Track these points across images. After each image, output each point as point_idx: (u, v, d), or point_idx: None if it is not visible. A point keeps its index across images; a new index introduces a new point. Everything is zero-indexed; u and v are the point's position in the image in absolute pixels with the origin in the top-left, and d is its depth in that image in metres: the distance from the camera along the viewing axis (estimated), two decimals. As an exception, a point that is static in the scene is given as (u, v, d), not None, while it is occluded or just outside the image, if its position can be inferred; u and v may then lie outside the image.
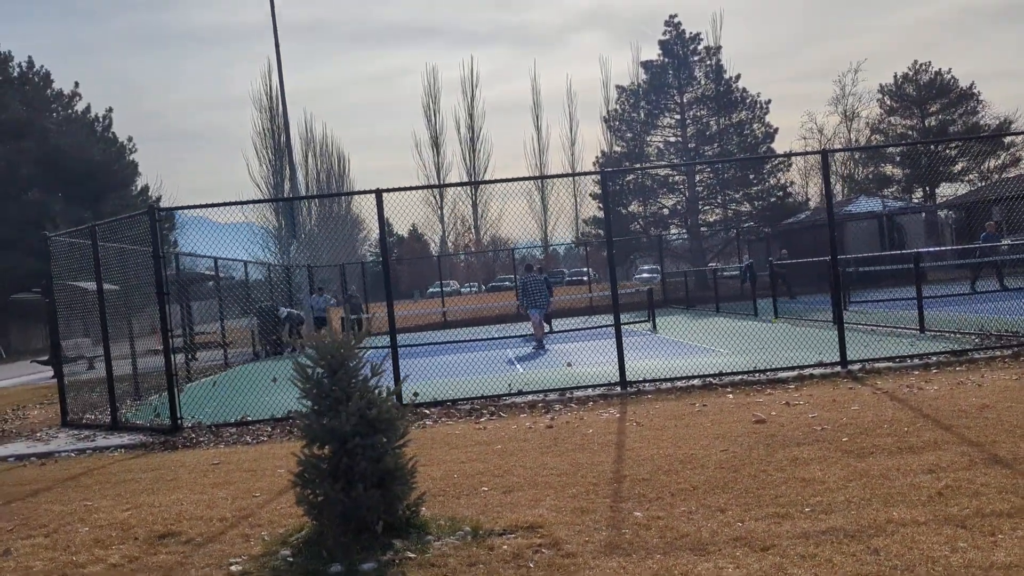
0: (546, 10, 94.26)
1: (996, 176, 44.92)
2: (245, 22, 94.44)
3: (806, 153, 36.38)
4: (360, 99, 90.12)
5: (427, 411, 9.14)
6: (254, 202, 32.17)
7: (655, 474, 5.66)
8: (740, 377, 9.41)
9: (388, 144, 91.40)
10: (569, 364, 12.35)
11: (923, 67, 45.97)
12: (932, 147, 44.48)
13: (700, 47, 39.92)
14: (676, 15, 40.10)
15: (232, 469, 7.11)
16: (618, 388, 9.42)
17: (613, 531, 4.54)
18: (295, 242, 31.46)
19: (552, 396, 9.29)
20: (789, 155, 36.32)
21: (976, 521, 4.14)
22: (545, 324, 17.80)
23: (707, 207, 41.50)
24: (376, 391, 4.91)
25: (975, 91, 45.58)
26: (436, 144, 59.19)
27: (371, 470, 4.66)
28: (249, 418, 9.35)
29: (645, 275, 43.15)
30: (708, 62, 40.14)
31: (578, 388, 9.53)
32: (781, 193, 38.55)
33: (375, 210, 9.49)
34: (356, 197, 60.97)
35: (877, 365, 9.33)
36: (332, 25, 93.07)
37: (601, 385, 9.60)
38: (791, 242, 31.88)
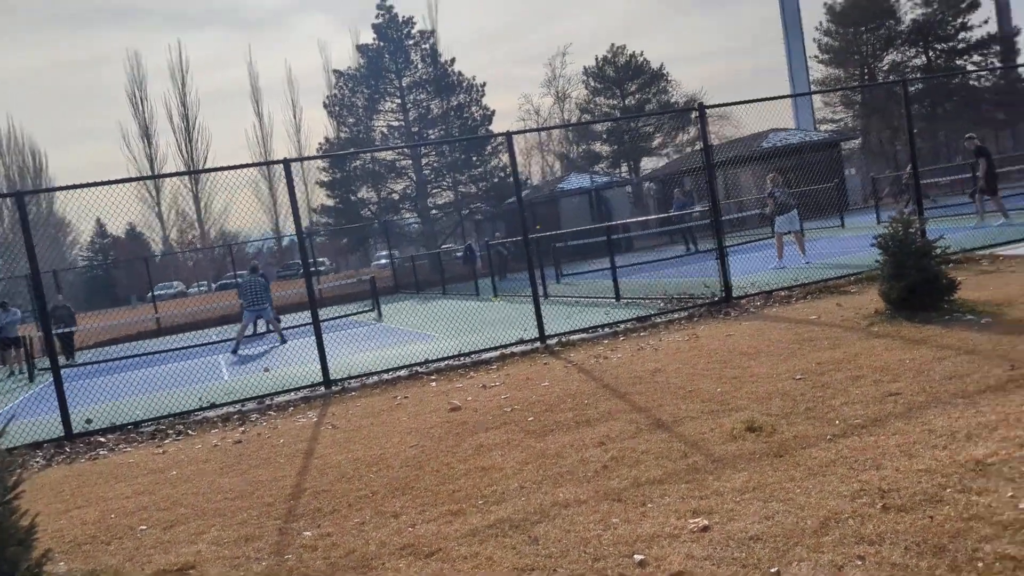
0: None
1: (688, 149, 49.84)
2: None
3: (491, 136, 37.70)
4: (56, 88, 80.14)
5: (102, 439, 8.08)
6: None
7: (337, 483, 5.31)
8: (446, 363, 9.34)
9: (91, 137, 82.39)
10: (267, 369, 11.54)
11: (620, 50, 49.64)
12: (632, 124, 48.33)
13: (414, 31, 40.03)
14: (388, -1, 39.68)
15: None
16: (322, 388, 8.96)
17: (275, 559, 4.12)
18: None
19: (250, 406, 8.61)
20: (478, 137, 37.35)
21: (632, 492, 4.23)
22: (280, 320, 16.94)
23: (436, 190, 41.94)
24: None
25: (665, 72, 50.10)
26: (147, 135, 54.39)
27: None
28: None
29: (383, 261, 42.83)
30: (423, 46, 40.38)
31: (280, 393, 8.94)
32: (503, 174, 39.85)
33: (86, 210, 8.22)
34: (61, 196, 54.71)
35: (572, 338, 9.70)
36: (14, 4, 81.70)
37: (305, 387, 9.08)
38: (512, 221, 33.09)
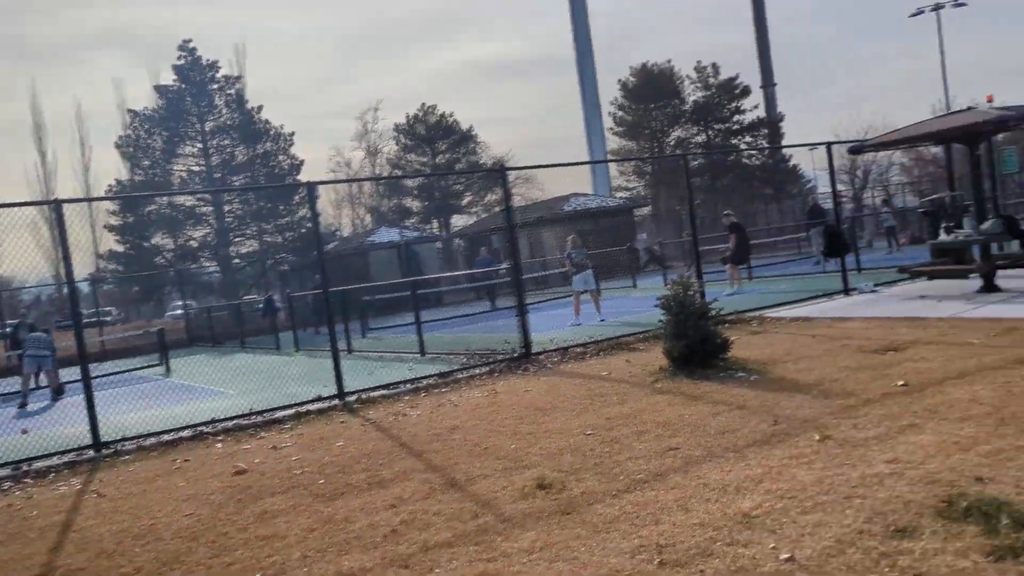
0: (49, 23, 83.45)
1: (496, 208, 51.27)
2: None
3: (294, 185, 37.18)
4: None
5: None
6: None
7: (96, 560, 4.77)
8: (235, 422, 8.80)
9: None
10: (25, 431, 10.33)
11: (430, 109, 50.56)
12: (442, 181, 49.10)
13: (219, 75, 38.66)
14: (191, 40, 38.12)
15: None
16: (91, 452, 8.13)
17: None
18: None
19: (3, 472, 7.64)
20: (280, 185, 36.51)
21: (420, 558, 4.10)
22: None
23: (239, 238, 40.25)
24: None
25: (474, 133, 51.54)
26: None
27: None
28: None
29: (178, 312, 40.14)
30: (229, 91, 39.06)
31: (40, 458, 8.00)
32: (311, 224, 38.90)
33: None
34: None
35: (373, 394, 9.48)
36: None
37: (71, 451, 8.19)
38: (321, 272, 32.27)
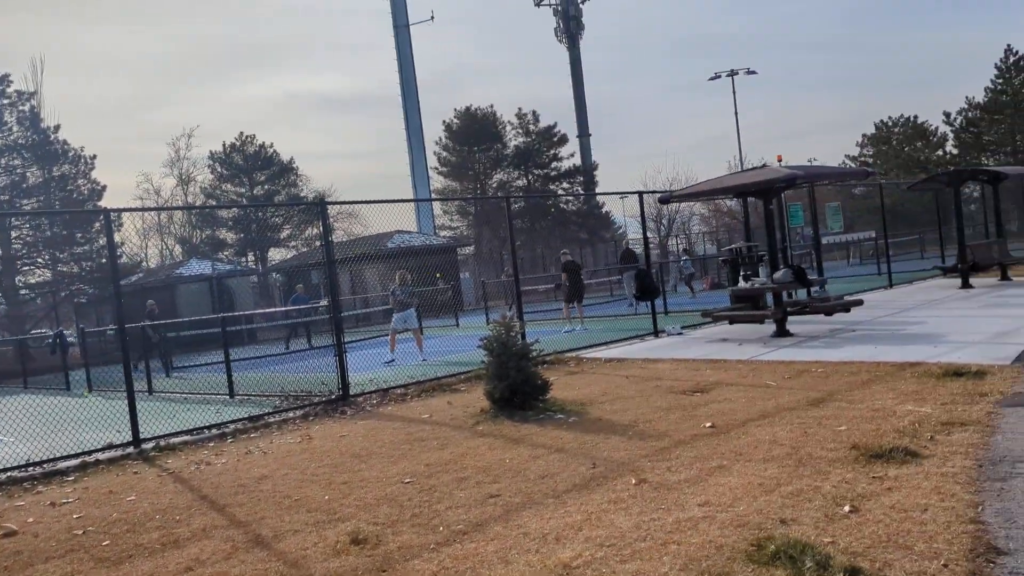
0: None
1: (317, 243, 49.99)
2: None
3: (87, 212, 34.79)
4: None
5: None
6: None
7: None
8: (7, 474, 7.77)
9: None
10: None
11: (249, 139, 48.77)
12: (259, 213, 47.30)
13: (11, 90, 35.30)
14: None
15: None
16: None
17: None
18: None
19: None
20: (73, 211, 34.13)
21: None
22: None
23: (28, 267, 36.61)
24: None
25: (295, 165, 50.21)
26: None
27: None
28: None
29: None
30: (21, 107, 35.73)
31: None
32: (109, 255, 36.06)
33: None
34: None
35: (173, 440, 8.73)
36: None
37: None
38: (134, 303, 29.88)
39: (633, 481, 5.28)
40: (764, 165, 12.19)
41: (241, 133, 49.32)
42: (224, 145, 48.92)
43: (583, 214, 53.11)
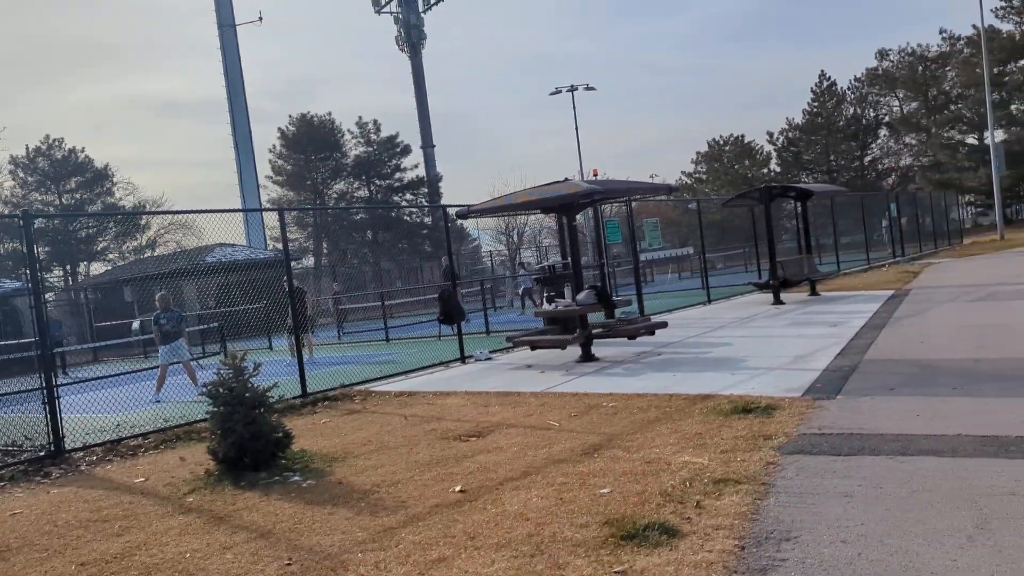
0: None
1: (134, 256, 46.13)
2: None
3: None
4: None
5: None
6: None
7: None
8: None
9: None
10: None
11: (56, 143, 44.46)
12: (69, 226, 43.12)
13: None
14: None
15: None
16: None
17: None
18: None
19: None
20: None
21: None
22: None
23: None
24: None
25: (111, 172, 46.23)
26: None
27: None
28: None
29: None
30: None
31: None
32: None
33: None
34: None
35: None
36: None
37: None
38: None
39: (322, 589, 4.04)
40: (567, 179, 11.37)
41: (47, 136, 44.84)
42: (27, 149, 44.38)
43: (427, 226, 51.84)
